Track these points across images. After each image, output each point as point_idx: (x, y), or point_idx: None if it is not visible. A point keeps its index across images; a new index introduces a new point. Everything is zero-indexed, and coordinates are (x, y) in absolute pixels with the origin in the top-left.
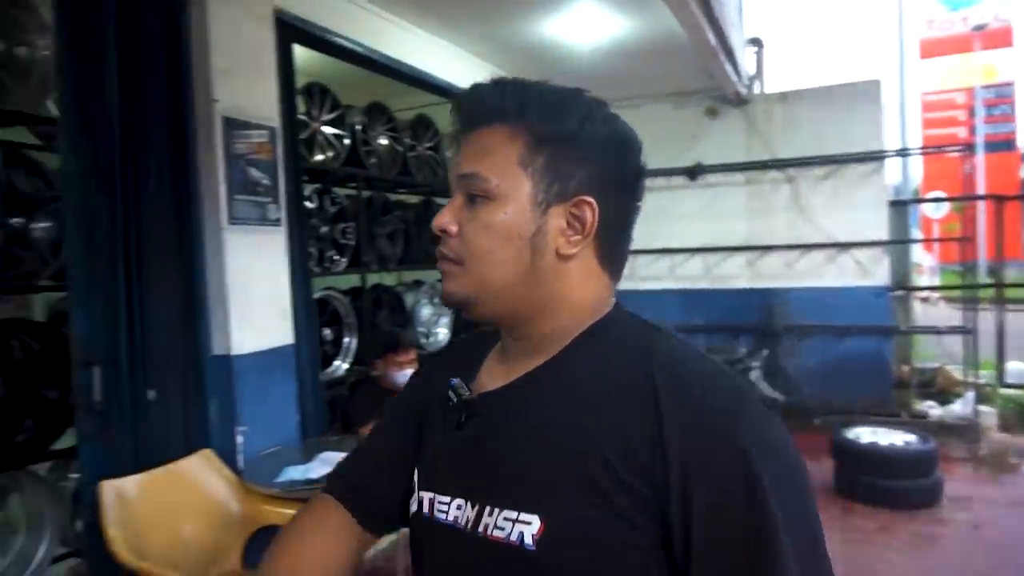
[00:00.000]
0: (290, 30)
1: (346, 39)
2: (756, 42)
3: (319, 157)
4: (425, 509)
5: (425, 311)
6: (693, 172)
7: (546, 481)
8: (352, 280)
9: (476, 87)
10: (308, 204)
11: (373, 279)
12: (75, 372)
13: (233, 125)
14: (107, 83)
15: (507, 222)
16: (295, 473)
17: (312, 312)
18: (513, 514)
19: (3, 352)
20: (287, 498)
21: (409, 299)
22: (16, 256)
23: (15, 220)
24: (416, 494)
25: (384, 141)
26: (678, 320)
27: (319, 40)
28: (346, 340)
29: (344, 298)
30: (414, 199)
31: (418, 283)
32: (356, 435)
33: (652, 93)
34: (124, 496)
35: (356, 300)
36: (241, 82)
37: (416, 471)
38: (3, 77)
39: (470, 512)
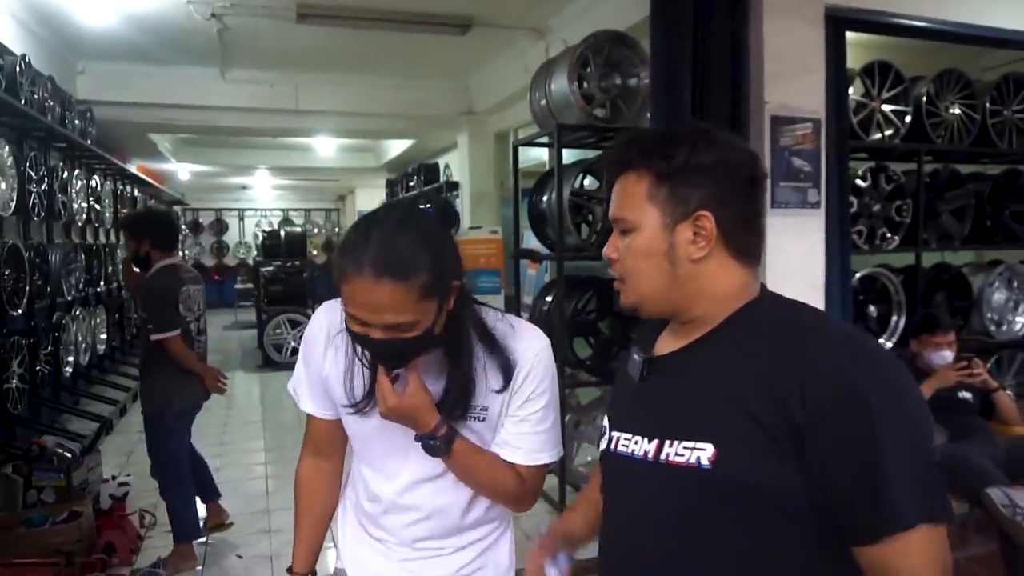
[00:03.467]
0: (842, 23)
1: (905, 17)
2: None
3: (876, 136)
4: (611, 445)
5: (998, 296)
6: None
7: (716, 418)
8: (909, 259)
9: (612, 148)
10: (860, 183)
11: (935, 258)
12: None
13: (779, 122)
14: (682, 97)
15: (644, 244)
16: None
17: (847, 288)
18: (691, 444)
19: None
20: None
21: (977, 281)
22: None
23: None
24: (607, 433)
25: (956, 110)
26: None
27: (874, 24)
28: (894, 319)
29: (895, 277)
30: (996, 169)
31: (994, 264)
32: None
33: None
34: None
35: (910, 280)
36: (789, 82)
37: (607, 416)
38: (619, 103)
39: (648, 446)
